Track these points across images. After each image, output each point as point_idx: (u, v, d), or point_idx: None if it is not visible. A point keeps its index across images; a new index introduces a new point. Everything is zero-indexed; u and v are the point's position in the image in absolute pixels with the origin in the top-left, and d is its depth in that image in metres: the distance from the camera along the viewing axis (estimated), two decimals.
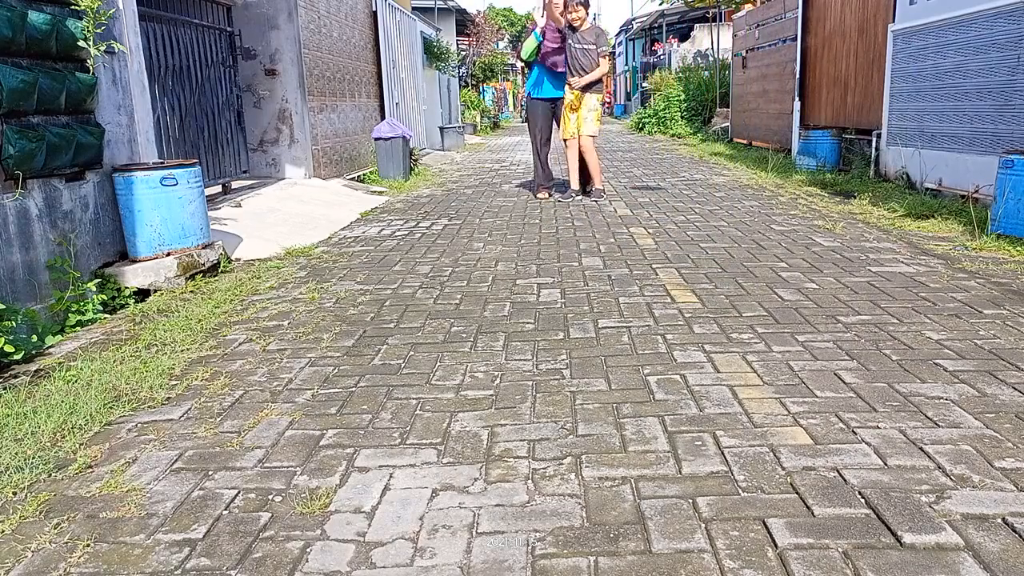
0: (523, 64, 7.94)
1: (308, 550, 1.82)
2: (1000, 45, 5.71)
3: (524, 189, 8.85)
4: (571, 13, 7.28)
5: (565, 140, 7.64)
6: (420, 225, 6.56)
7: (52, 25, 3.96)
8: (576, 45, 7.31)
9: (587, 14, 7.33)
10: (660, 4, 24.45)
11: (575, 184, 7.80)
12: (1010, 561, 1.67)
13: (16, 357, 3.20)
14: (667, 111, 18.49)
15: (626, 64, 34.91)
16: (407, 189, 9.27)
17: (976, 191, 5.87)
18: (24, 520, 2.00)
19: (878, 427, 2.34)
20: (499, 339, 3.36)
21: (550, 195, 7.81)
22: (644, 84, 25.18)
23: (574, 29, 7.37)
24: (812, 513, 1.88)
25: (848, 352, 3.01)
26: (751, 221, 6.08)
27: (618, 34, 38.72)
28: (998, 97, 5.76)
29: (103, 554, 1.84)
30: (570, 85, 7.37)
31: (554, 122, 7.81)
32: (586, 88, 7.32)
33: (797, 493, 1.98)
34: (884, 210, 6.27)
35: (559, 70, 7.45)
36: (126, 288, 4.30)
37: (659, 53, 26.05)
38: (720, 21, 19.75)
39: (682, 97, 18.32)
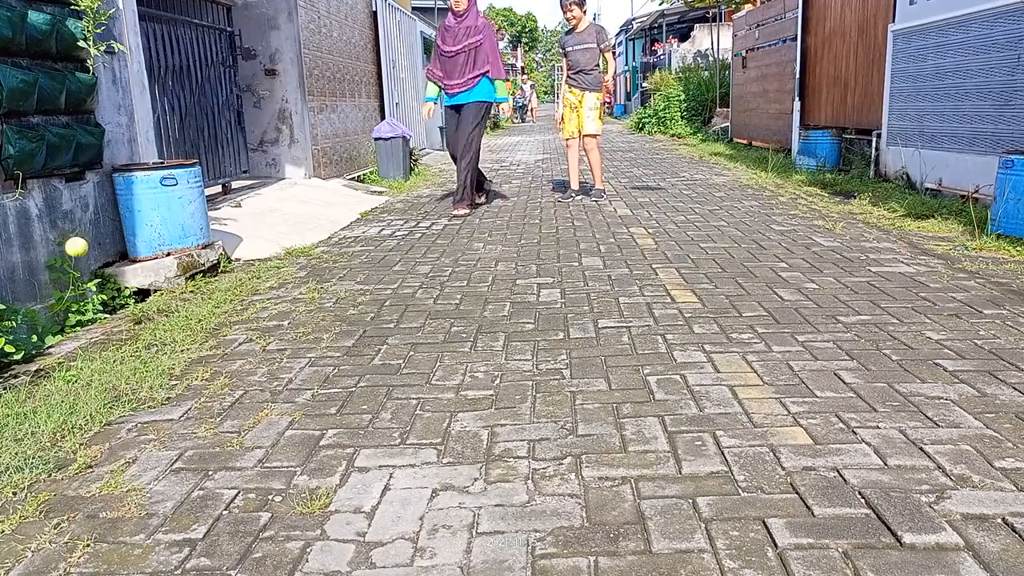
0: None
1: (308, 550, 1.83)
2: (1000, 45, 5.71)
3: (524, 189, 8.85)
4: (567, 13, 7.20)
5: (566, 141, 7.60)
6: (420, 225, 6.56)
7: (52, 25, 3.96)
8: (575, 47, 7.22)
9: (583, 13, 7.21)
10: (660, 4, 24.43)
11: (575, 184, 7.76)
12: (1010, 561, 1.67)
13: (16, 357, 3.20)
14: (667, 111, 18.47)
15: (626, 64, 34.90)
16: (407, 189, 9.26)
17: (976, 191, 5.87)
18: (24, 520, 2.00)
19: (878, 427, 2.34)
20: (499, 339, 3.36)
21: (470, 212, 6.96)
22: (644, 84, 25.17)
23: (571, 32, 7.31)
24: (812, 513, 1.88)
25: (848, 352, 3.01)
26: (751, 221, 6.08)
27: (618, 34, 38.70)
28: (998, 97, 5.76)
29: (103, 554, 1.84)
30: (571, 84, 7.32)
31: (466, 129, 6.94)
32: (585, 87, 7.28)
33: (797, 493, 1.98)
34: (884, 210, 6.27)
35: (452, 80, 6.79)
36: (126, 288, 4.30)
37: (659, 53, 26.03)
38: (720, 21, 19.74)
39: (682, 97, 18.30)
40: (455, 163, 6.96)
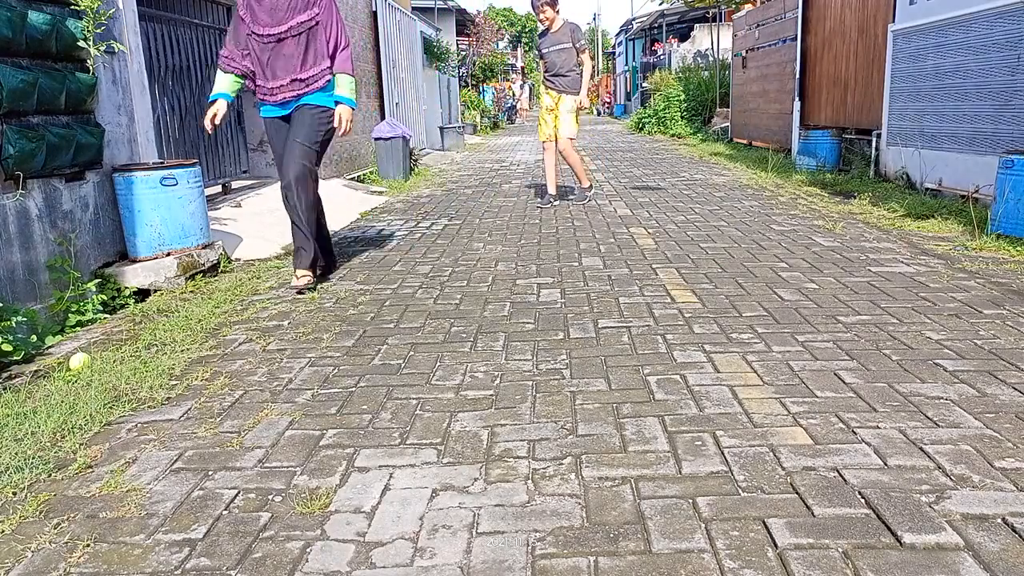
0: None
1: (308, 550, 1.82)
2: (1000, 45, 5.71)
3: (524, 189, 8.85)
4: (539, 14, 6.91)
5: (543, 143, 7.28)
6: (420, 225, 6.56)
7: (52, 25, 3.96)
8: (551, 48, 6.94)
9: (556, 13, 6.90)
10: (660, 4, 24.45)
11: (552, 189, 7.40)
12: (1010, 561, 1.67)
13: (16, 357, 3.20)
14: (667, 111, 18.49)
15: (626, 64, 34.90)
16: (407, 189, 9.27)
17: (976, 191, 5.87)
18: (24, 520, 2.00)
19: (878, 427, 2.34)
20: (499, 339, 3.36)
21: (313, 281, 4.39)
22: (644, 84, 25.18)
23: (546, 32, 7.03)
24: (812, 513, 1.88)
25: (848, 352, 3.01)
26: (751, 221, 6.08)
27: (618, 34, 38.71)
28: (998, 97, 5.76)
29: (103, 554, 1.84)
30: (548, 87, 7.07)
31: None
32: (563, 90, 6.96)
33: (797, 493, 1.98)
34: (884, 210, 6.27)
35: (276, 79, 4.32)
36: (126, 288, 4.30)
37: (659, 53, 26.04)
38: (720, 21, 19.75)
39: (682, 97, 18.32)
40: (286, 203, 4.43)
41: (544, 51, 7.06)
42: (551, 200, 7.39)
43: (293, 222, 4.39)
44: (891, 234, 5.38)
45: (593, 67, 7.31)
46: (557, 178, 7.51)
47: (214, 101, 4.37)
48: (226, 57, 4.41)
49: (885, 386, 2.66)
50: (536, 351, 3.18)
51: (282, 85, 4.34)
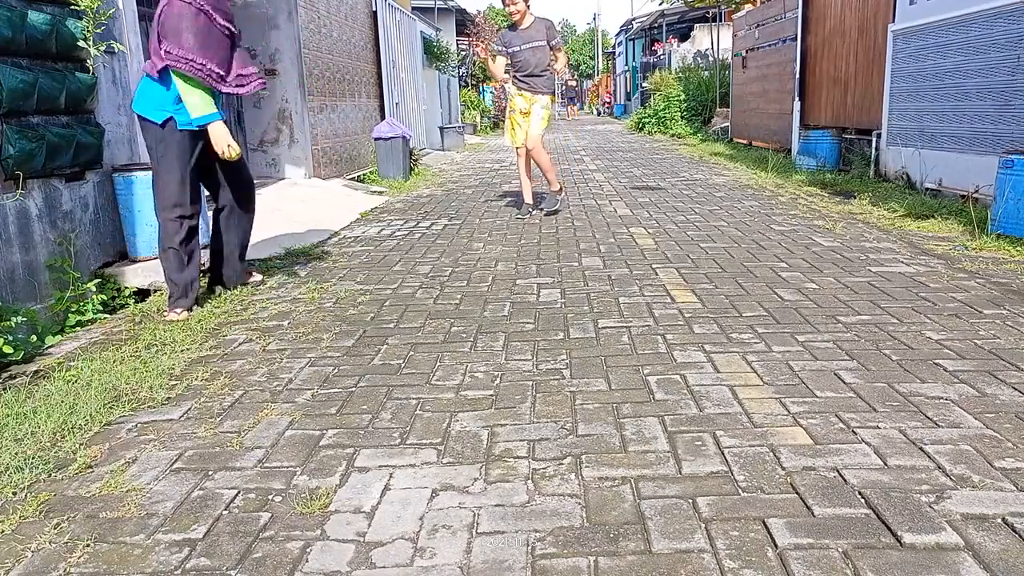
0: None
1: (308, 550, 1.82)
2: (1000, 45, 5.71)
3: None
4: (509, 7, 6.31)
5: (516, 149, 6.73)
6: (420, 225, 6.56)
7: (52, 25, 3.96)
8: (523, 46, 6.33)
9: (527, 7, 6.29)
10: (660, 4, 24.45)
11: (528, 198, 6.87)
12: (1010, 561, 1.67)
13: (16, 357, 3.20)
14: (667, 111, 18.48)
15: (626, 64, 34.90)
16: (407, 189, 9.27)
17: (976, 191, 5.87)
18: (24, 520, 2.00)
19: (878, 427, 2.34)
20: (499, 339, 3.36)
21: (189, 314, 3.82)
22: (644, 84, 25.17)
23: (515, 27, 6.44)
24: (812, 513, 1.88)
25: (848, 352, 3.01)
26: (751, 221, 6.08)
27: (618, 34, 38.70)
28: (998, 97, 5.76)
29: (103, 554, 1.84)
30: (521, 88, 6.46)
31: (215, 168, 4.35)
32: (539, 90, 6.45)
33: (797, 493, 1.98)
34: (884, 210, 6.27)
35: (239, 87, 4.15)
36: (126, 288, 4.30)
37: (659, 53, 26.03)
38: (720, 21, 19.74)
39: (682, 97, 18.32)
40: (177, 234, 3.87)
41: (514, 49, 6.41)
42: (529, 210, 6.83)
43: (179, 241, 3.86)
44: (891, 234, 5.38)
45: (567, 61, 6.77)
46: (533, 184, 7.00)
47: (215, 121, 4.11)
48: (208, 67, 3.84)
49: (885, 386, 2.66)
50: (536, 351, 3.18)
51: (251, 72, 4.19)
